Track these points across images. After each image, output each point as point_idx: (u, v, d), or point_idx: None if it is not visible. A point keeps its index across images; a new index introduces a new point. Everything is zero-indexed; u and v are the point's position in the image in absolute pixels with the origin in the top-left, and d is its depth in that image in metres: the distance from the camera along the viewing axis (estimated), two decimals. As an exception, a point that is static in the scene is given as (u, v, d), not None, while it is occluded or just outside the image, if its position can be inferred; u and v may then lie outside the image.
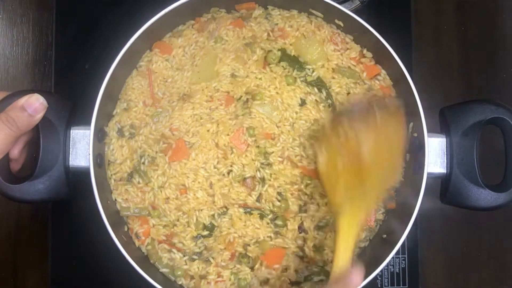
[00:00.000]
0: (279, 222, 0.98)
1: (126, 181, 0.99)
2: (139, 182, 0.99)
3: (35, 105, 0.86)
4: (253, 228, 0.98)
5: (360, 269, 0.78)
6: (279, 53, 1.01)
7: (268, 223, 0.98)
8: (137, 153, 0.99)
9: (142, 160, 0.99)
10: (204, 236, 0.98)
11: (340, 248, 0.84)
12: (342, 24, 1.02)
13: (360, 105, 0.91)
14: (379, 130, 0.87)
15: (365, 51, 1.03)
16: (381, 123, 0.88)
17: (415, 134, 0.97)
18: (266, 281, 0.99)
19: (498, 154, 0.94)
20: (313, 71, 1.01)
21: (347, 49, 1.03)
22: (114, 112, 1.01)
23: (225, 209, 0.98)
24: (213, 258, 0.98)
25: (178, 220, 0.98)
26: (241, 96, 1.00)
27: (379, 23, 0.98)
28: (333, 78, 1.02)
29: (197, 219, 0.98)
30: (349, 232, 0.85)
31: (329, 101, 1.01)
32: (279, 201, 0.98)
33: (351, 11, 0.99)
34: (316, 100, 1.01)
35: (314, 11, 1.03)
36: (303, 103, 1.01)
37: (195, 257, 0.98)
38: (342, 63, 1.03)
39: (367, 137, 0.86)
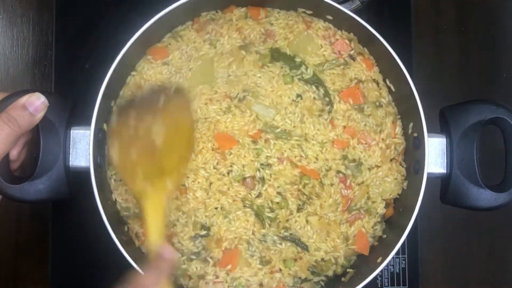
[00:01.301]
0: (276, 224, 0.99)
1: None
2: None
3: (36, 103, 0.86)
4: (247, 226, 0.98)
5: (168, 245, 0.86)
6: (269, 53, 1.01)
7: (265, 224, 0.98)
8: None
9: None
10: (202, 236, 0.98)
11: (151, 228, 0.86)
12: (341, 24, 1.02)
13: (142, 94, 0.95)
14: (164, 113, 0.90)
15: (364, 49, 1.03)
16: (164, 107, 0.90)
17: (415, 134, 0.97)
18: (262, 283, 0.99)
19: (498, 154, 0.94)
20: (307, 69, 1.02)
21: (346, 47, 1.03)
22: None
23: (221, 207, 0.98)
24: (211, 258, 0.98)
25: (178, 220, 0.98)
26: (238, 94, 1.00)
27: (379, 23, 0.99)
28: (329, 75, 1.02)
29: (194, 219, 0.98)
30: (156, 213, 0.87)
31: (327, 99, 1.01)
32: (278, 203, 0.98)
33: (351, 11, 0.99)
34: (314, 97, 1.01)
35: (311, 11, 1.03)
36: (299, 97, 1.01)
37: (193, 257, 0.98)
38: (339, 61, 1.03)
39: (155, 122, 0.89)
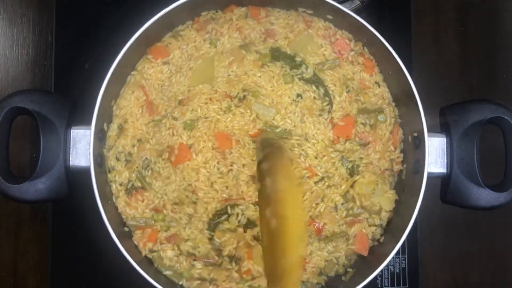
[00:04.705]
0: None
1: (128, 188, 0.99)
2: (141, 187, 0.99)
3: None
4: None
5: None
6: (269, 53, 1.02)
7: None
8: (141, 160, 0.99)
9: (145, 167, 0.99)
10: (207, 237, 0.98)
11: None
12: (340, 23, 1.02)
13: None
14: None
15: (364, 49, 1.03)
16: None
17: (415, 134, 0.97)
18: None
19: (498, 154, 0.94)
20: (307, 68, 1.02)
21: (346, 46, 1.03)
22: (109, 134, 1.00)
23: (226, 206, 0.98)
24: (217, 260, 0.98)
25: (180, 220, 0.98)
26: (238, 93, 1.00)
27: (379, 23, 0.99)
28: (329, 75, 1.02)
29: (199, 220, 0.98)
30: None
31: (327, 98, 1.01)
32: None
33: (351, 10, 0.99)
34: (314, 97, 1.01)
35: (312, 11, 1.03)
36: (299, 96, 1.01)
37: (198, 259, 0.98)
38: (339, 60, 1.03)
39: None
